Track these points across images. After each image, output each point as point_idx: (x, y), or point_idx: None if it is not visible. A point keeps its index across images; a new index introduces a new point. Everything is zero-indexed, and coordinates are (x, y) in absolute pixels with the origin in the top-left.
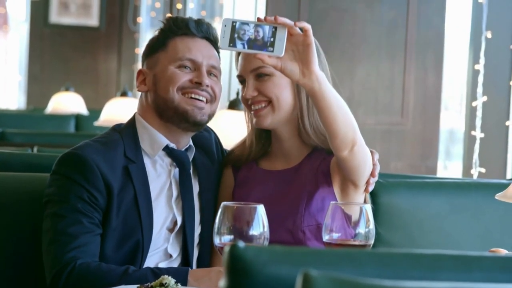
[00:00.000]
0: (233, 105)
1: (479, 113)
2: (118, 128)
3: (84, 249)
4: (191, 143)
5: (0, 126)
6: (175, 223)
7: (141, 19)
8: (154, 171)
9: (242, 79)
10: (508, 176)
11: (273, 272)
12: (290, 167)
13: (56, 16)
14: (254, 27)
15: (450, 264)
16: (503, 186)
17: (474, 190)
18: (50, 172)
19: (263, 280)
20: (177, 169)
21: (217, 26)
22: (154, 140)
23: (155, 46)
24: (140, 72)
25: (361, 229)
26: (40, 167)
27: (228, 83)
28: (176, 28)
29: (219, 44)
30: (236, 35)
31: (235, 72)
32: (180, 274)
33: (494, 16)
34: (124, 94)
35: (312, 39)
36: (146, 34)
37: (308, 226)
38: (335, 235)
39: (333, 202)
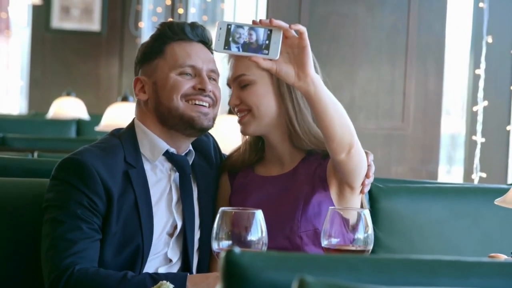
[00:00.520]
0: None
1: (480, 118)
2: (117, 133)
3: (82, 254)
4: (190, 147)
5: (1, 131)
6: (175, 227)
7: (142, 24)
8: (154, 175)
9: (229, 86)
10: (509, 181)
11: (269, 278)
12: (285, 172)
13: (57, 21)
14: (249, 30)
15: (447, 270)
16: (503, 191)
17: (474, 195)
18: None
19: (259, 286)
20: (177, 174)
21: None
22: (154, 145)
23: (151, 53)
24: (137, 80)
25: (360, 234)
26: (40, 172)
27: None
28: (172, 33)
29: (213, 47)
30: (231, 38)
31: None
32: (178, 279)
33: (495, 20)
34: (125, 99)
35: (307, 41)
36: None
37: (305, 232)
38: (334, 241)
39: (332, 207)
